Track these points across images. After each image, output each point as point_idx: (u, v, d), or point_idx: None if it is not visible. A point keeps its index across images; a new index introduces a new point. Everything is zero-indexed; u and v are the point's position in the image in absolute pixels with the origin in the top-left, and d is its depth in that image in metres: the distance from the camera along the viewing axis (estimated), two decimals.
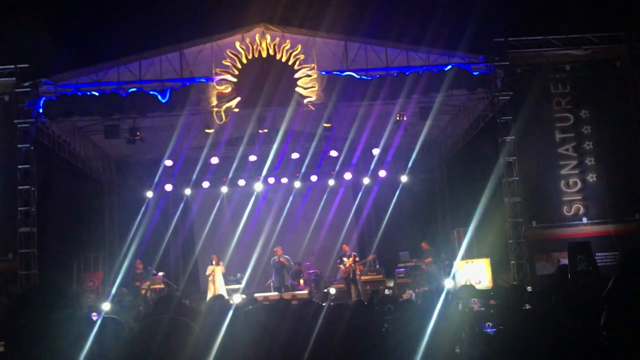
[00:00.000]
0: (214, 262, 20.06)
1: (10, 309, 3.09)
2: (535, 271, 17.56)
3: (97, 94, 17.22)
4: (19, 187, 17.21)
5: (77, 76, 17.79)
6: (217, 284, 19.75)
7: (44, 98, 17.30)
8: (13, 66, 17.59)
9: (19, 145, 17.26)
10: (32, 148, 17.36)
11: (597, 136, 18.16)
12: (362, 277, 19.64)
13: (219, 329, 4.46)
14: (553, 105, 18.31)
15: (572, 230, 17.87)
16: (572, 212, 17.99)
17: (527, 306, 6.47)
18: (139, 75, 17.68)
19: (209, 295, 19.76)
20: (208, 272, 20.14)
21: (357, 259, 19.91)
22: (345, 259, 19.85)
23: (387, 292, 18.47)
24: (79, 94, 17.28)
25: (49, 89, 17.54)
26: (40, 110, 17.24)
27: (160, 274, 20.12)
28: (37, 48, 18.92)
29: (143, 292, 18.93)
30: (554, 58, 18.30)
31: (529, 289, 14.97)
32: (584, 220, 17.95)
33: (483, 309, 9.70)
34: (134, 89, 17.28)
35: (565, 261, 17.08)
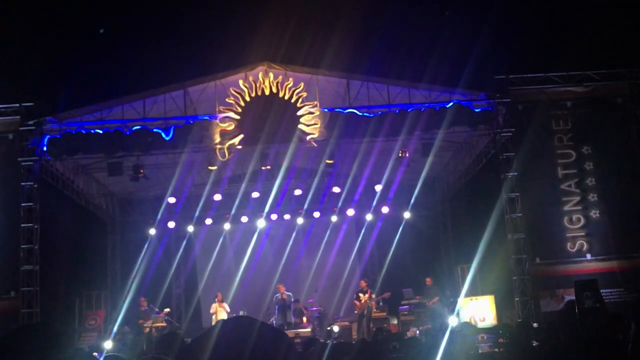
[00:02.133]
0: (217, 300, 19.97)
1: (6, 347, 3.04)
2: (539, 308, 17.44)
3: (101, 132, 17.31)
4: (22, 225, 17.20)
5: (81, 114, 17.91)
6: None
7: (48, 136, 17.39)
8: (18, 105, 17.70)
9: (23, 183, 17.29)
10: (35, 186, 17.40)
11: (599, 172, 18.16)
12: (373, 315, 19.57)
13: None
14: (555, 142, 18.35)
15: (576, 266, 17.78)
16: (575, 249, 17.91)
17: (535, 343, 6.44)
18: (142, 113, 17.79)
19: None
20: (212, 310, 20.03)
21: (373, 295, 19.80)
22: (361, 295, 19.74)
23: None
24: (83, 132, 17.37)
25: (53, 127, 17.64)
26: (44, 148, 17.33)
27: (166, 310, 20.00)
28: (42, 87, 19.15)
29: (147, 330, 18.81)
30: (555, 95, 18.40)
31: (535, 325, 14.89)
32: (588, 256, 17.87)
33: (490, 349, 9.65)
34: (137, 127, 17.37)
35: (570, 297, 17.12)
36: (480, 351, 9.89)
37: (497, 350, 9.14)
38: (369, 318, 19.44)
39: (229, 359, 2.18)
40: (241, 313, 20.69)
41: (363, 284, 20.30)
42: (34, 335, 2.77)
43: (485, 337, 11.07)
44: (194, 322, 22.56)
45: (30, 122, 17.52)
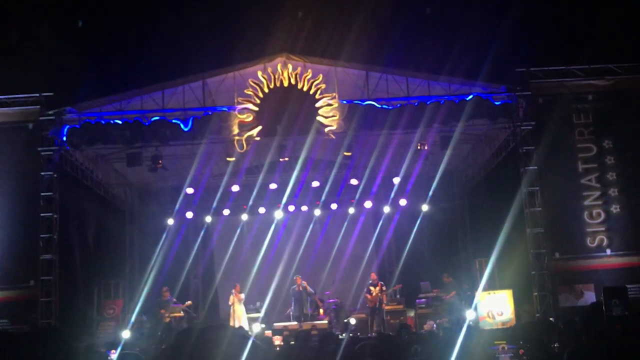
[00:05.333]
0: (234, 292, 20.02)
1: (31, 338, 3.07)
2: (558, 302, 17.31)
3: (120, 122, 17.37)
4: (41, 215, 17.32)
5: (100, 105, 17.98)
6: (238, 313, 19.69)
7: (67, 126, 17.47)
8: (38, 94, 17.79)
9: (42, 173, 17.39)
10: (55, 176, 17.49)
11: (620, 167, 17.95)
12: (384, 307, 19.51)
13: None
14: (576, 136, 18.16)
15: (595, 262, 17.63)
16: (595, 244, 17.75)
17: (556, 345, 6.35)
18: (162, 104, 17.82)
19: (231, 323, 19.70)
20: (230, 301, 20.09)
21: (384, 288, 19.74)
22: (372, 288, 19.69)
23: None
24: (103, 122, 17.44)
25: (72, 117, 17.71)
26: (64, 138, 17.41)
27: (188, 302, 19.99)
28: (62, 77, 19.22)
29: (168, 319, 18.90)
30: (577, 88, 18.20)
31: (552, 319, 14.77)
32: (608, 251, 17.70)
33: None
34: (157, 118, 17.42)
35: (590, 293, 16.99)
36: None
37: None
38: (382, 310, 19.40)
39: None
40: (257, 304, 20.76)
41: (373, 276, 20.23)
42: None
43: (506, 348, 10.93)
44: (211, 312, 22.63)
45: (50, 112, 17.60)
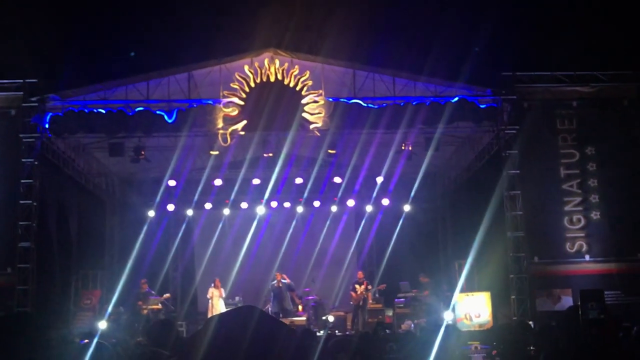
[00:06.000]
0: (214, 285, 19.98)
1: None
2: (535, 306, 17.41)
3: (103, 111, 17.24)
4: (21, 202, 17.14)
5: (84, 93, 17.83)
6: (217, 308, 19.66)
7: (50, 114, 17.32)
8: (21, 80, 17.60)
9: (23, 160, 17.21)
10: (36, 163, 17.32)
11: (602, 174, 18.08)
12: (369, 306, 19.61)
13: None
14: (559, 141, 18.26)
15: (574, 267, 17.75)
16: (574, 249, 17.87)
17: (531, 348, 6.36)
18: (146, 94, 17.71)
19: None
20: (209, 294, 20.05)
21: (369, 287, 19.80)
22: (357, 286, 19.75)
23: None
24: (86, 111, 17.29)
25: (55, 105, 17.55)
26: (46, 126, 17.25)
27: (166, 295, 20.01)
28: (46, 64, 19.03)
29: (145, 312, 18.83)
30: (561, 94, 18.30)
31: (531, 323, 14.83)
32: (587, 257, 17.83)
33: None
34: (140, 108, 17.30)
35: (567, 298, 17.10)
36: None
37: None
38: (365, 309, 19.46)
39: (226, 350, 2.12)
40: (237, 299, 20.71)
41: (360, 275, 20.32)
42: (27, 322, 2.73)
43: (479, 348, 10.97)
44: (190, 307, 22.54)
45: (33, 99, 17.43)
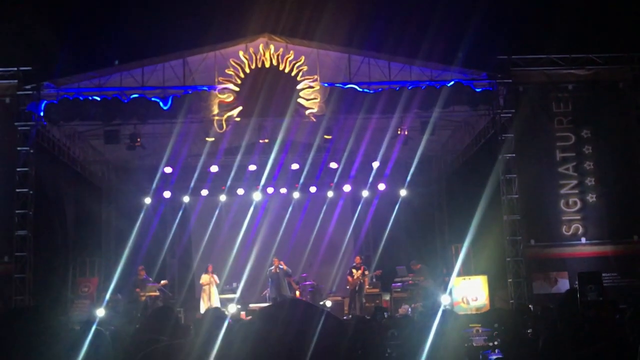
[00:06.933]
0: (208, 271, 20.03)
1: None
2: (532, 289, 17.49)
3: (98, 99, 17.19)
4: (17, 190, 17.14)
5: (79, 81, 17.77)
6: (210, 293, 19.71)
7: (45, 101, 17.26)
8: (16, 68, 17.54)
9: (19, 148, 17.19)
10: (31, 151, 17.30)
11: (597, 156, 18.12)
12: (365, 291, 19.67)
13: (214, 341, 4.39)
14: (554, 124, 18.28)
15: (570, 250, 17.82)
16: (570, 232, 17.93)
17: (530, 331, 6.40)
18: (141, 81, 17.65)
19: (202, 304, 19.69)
20: (202, 280, 20.09)
21: (366, 272, 19.84)
22: (354, 271, 19.79)
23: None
24: (81, 98, 17.24)
25: (50, 93, 17.50)
26: (41, 114, 17.20)
27: (163, 282, 20.05)
28: (41, 51, 18.93)
29: (143, 298, 18.86)
30: (557, 77, 18.30)
31: (530, 307, 14.88)
32: (583, 240, 17.90)
33: (485, 343, 9.60)
34: (135, 95, 17.26)
35: (564, 280, 17.18)
36: (474, 344, 9.85)
37: (491, 343, 9.10)
38: (362, 294, 19.51)
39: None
40: (234, 285, 20.74)
41: (358, 259, 20.36)
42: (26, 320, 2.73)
43: (480, 331, 11.03)
44: (189, 292, 22.56)
45: (28, 87, 17.37)
